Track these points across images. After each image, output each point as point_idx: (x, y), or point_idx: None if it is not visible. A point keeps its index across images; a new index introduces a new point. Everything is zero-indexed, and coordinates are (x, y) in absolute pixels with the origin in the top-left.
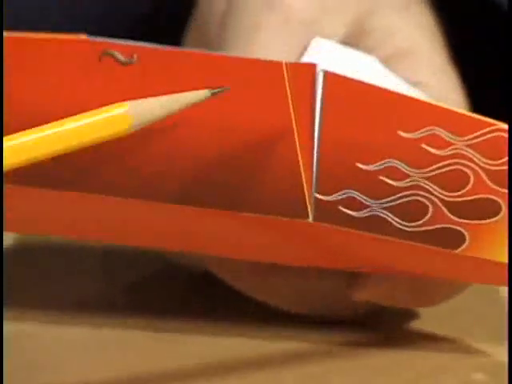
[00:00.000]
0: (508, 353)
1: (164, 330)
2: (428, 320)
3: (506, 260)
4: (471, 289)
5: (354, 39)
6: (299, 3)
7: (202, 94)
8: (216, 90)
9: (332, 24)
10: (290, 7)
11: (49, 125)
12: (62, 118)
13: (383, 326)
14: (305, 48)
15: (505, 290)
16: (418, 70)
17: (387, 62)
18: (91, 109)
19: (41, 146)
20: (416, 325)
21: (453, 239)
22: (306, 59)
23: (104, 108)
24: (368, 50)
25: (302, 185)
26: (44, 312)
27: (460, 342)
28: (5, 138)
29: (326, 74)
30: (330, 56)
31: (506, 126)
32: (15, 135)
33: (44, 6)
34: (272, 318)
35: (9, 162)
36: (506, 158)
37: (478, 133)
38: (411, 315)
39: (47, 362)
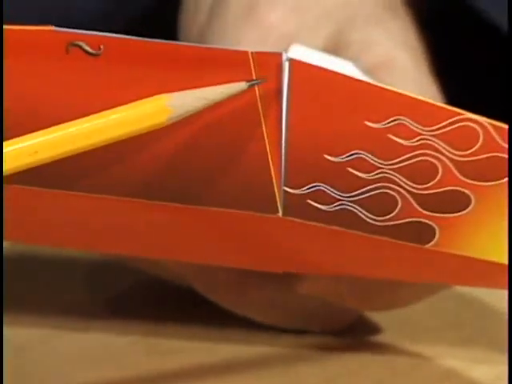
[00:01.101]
0: (508, 358)
1: (156, 341)
2: (425, 331)
3: (476, 255)
4: (469, 301)
5: (332, 53)
6: (277, 18)
7: (238, 85)
8: (253, 82)
9: (310, 38)
10: (269, 22)
11: (85, 118)
12: (31, 110)
13: (378, 336)
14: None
15: (502, 301)
16: (394, 82)
17: (365, 74)
18: (60, 101)
19: (82, 137)
20: (413, 336)
21: (422, 234)
22: None
23: (142, 100)
24: None
25: (271, 178)
26: (32, 324)
27: (459, 355)
28: (59, 126)
29: (292, 61)
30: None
31: (473, 116)
32: (69, 123)
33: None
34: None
35: (61, 150)
36: (475, 149)
37: (445, 122)
38: (407, 327)
39: (37, 375)
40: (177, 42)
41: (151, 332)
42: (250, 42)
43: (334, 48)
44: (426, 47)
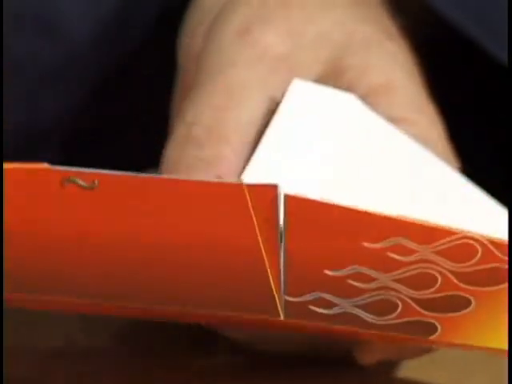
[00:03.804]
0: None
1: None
2: (426, 361)
3: (477, 344)
4: None
5: (330, 77)
6: (273, 39)
7: None
8: None
9: (307, 60)
10: (265, 43)
11: None
12: (28, 246)
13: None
14: (282, 83)
15: None
16: (394, 105)
17: (364, 98)
18: (57, 234)
19: None
20: (414, 365)
21: (424, 329)
22: (285, 101)
23: None
24: (344, 87)
25: (272, 290)
26: (29, 361)
27: None
28: None
29: (287, 197)
30: (308, 97)
31: (471, 234)
32: None
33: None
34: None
35: None
36: (473, 261)
37: (443, 240)
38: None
39: None
40: (170, 176)
41: (151, 367)
42: (245, 61)
43: (332, 72)
44: (422, 69)
